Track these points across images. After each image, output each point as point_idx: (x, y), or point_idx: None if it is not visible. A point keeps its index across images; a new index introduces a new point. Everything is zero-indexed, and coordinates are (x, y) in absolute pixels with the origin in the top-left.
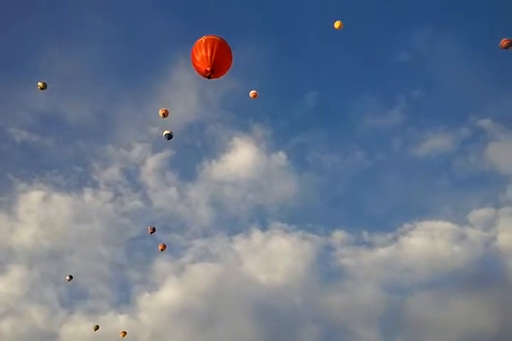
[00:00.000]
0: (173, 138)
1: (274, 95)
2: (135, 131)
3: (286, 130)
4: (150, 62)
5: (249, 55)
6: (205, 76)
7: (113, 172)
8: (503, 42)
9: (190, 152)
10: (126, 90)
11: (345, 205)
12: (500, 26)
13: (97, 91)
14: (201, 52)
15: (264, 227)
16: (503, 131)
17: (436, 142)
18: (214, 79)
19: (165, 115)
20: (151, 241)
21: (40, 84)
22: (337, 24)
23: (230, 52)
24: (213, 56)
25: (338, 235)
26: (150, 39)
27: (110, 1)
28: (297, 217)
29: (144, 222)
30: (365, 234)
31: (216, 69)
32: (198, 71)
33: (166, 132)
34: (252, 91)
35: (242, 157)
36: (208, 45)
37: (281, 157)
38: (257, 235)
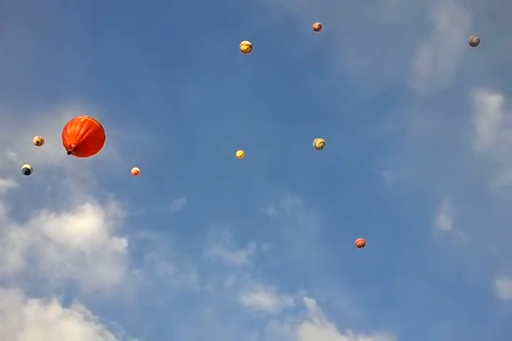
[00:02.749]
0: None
1: (146, 183)
2: None
3: (140, 220)
4: (48, 91)
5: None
6: (66, 149)
7: None
8: (358, 241)
9: (35, 194)
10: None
11: (156, 319)
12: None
13: None
14: (75, 128)
15: (65, 304)
16: (320, 316)
17: (263, 299)
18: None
19: (39, 143)
20: None
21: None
22: (239, 153)
23: (103, 140)
24: (84, 137)
25: None
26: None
27: None
28: (104, 309)
29: None
30: None
31: (80, 149)
32: (63, 142)
33: (26, 166)
34: (135, 168)
35: (84, 225)
36: (85, 125)
37: (121, 243)
38: (53, 310)
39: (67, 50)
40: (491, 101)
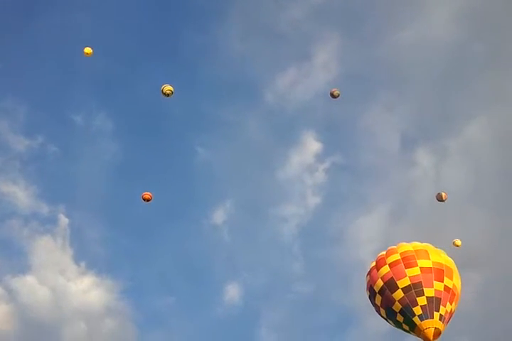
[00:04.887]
0: None
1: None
2: None
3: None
4: None
5: None
6: None
7: None
8: (145, 195)
9: None
10: None
11: None
12: None
13: None
14: None
15: None
16: (65, 237)
17: (20, 194)
18: None
19: None
20: None
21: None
22: (87, 50)
23: None
24: None
25: None
26: None
27: None
28: None
29: None
30: None
31: None
32: None
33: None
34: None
35: None
36: None
37: None
38: None
39: None
40: (313, 145)
